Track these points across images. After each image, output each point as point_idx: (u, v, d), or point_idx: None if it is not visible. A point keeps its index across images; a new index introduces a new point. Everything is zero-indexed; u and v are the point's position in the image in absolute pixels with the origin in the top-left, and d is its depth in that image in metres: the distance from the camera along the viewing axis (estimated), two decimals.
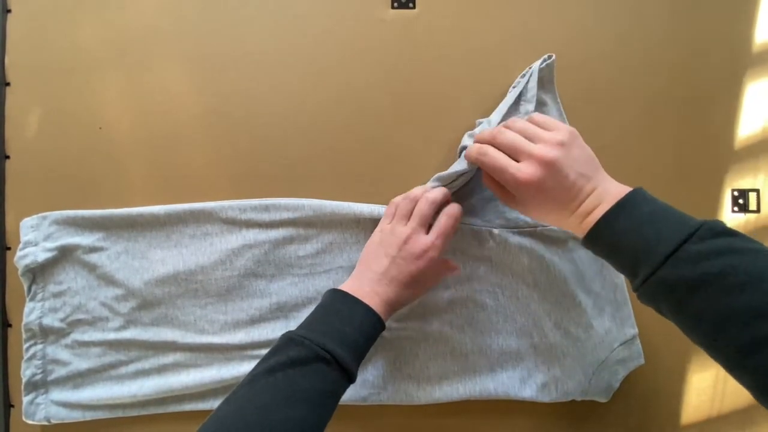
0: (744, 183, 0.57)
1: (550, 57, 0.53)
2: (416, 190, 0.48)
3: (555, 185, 0.40)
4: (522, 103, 0.52)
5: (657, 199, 0.39)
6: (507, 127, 0.43)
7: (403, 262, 0.45)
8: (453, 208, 0.47)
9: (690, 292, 0.33)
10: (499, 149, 0.42)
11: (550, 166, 0.40)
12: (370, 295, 0.44)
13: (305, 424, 0.37)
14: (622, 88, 0.56)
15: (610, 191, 0.40)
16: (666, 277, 0.34)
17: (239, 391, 0.39)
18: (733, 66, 0.57)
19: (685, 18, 0.57)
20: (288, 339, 0.40)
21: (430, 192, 0.47)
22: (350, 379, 0.41)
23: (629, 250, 0.37)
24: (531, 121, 0.43)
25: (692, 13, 0.57)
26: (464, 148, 0.50)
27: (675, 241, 0.34)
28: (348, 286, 0.45)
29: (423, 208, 0.47)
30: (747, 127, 0.57)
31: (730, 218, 0.57)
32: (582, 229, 0.40)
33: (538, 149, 0.40)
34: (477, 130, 0.51)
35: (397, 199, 0.49)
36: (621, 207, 0.38)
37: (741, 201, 0.57)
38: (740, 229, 0.56)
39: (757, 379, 0.32)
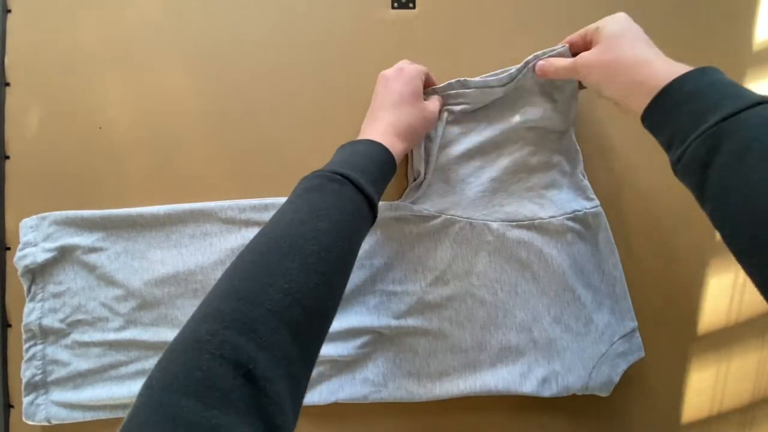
0: None
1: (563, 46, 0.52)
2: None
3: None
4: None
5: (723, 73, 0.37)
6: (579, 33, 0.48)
7: (390, 84, 0.48)
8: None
9: (757, 137, 0.30)
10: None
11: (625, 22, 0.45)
12: (371, 133, 0.46)
13: (333, 235, 0.36)
14: None
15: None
16: (745, 119, 0.31)
17: (267, 225, 0.38)
18: (733, 66, 0.57)
19: (685, 18, 0.57)
20: (303, 179, 0.41)
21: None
22: (370, 202, 0.40)
23: (706, 102, 0.34)
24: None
25: (692, 13, 0.57)
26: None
27: (754, 99, 0.32)
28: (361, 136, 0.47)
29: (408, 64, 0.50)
30: None
31: None
32: (653, 88, 0.38)
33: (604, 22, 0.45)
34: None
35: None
36: (697, 70, 0.36)
37: None
38: None
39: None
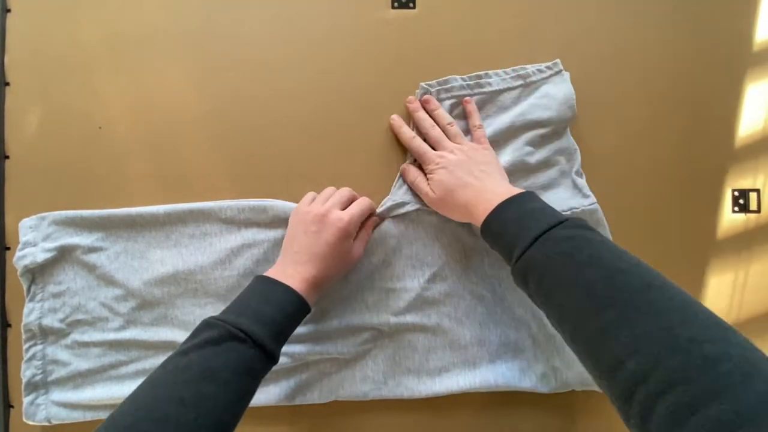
0: (744, 183, 0.57)
1: (555, 64, 0.55)
2: (327, 191, 0.51)
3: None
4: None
5: (542, 200, 0.44)
6: (433, 125, 0.52)
7: (320, 235, 0.47)
8: (366, 200, 0.51)
9: (548, 266, 0.39)
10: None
11: (457, 155, 0.50)
12: (292, 276, 0.45)
13: (218, 400, 0.37)
14: (622, 88, 0.56)
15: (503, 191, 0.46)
16: (533, 255, 0.40)
17: (153, 374, 0.38)
18: (733, 66, 0.57)
19: (685, 18, 0.57)
20: (204, 323, 0.41)
21: (344, 190, 0.51)
22: (269, 356, 0.41)
23: (510, 236, 0.42)
24: (451, 126, 0.52)
25: (692, 13, 0.57)
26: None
27: (544, 227, 0.40)
28: (272, 270, 0.46)
29: (343, 193, 0.50)
30: (747, 127, 0.57)
31: (731, 218, 0.57)
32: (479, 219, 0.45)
33: (455, 146, 0.51)
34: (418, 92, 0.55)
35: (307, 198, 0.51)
36: (510, 201, 0.44)
37: (741, 201, 0.57)
38: (741, 229, 0.57)
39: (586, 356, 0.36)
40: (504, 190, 0.46)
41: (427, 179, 0.51)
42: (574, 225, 0.40)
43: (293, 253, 0.47)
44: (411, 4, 0.56)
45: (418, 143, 0.52)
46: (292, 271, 0.45)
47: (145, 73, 0.55)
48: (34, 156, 0.55)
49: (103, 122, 0.55)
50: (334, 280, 0.49)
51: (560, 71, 0.55)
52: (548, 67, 0.54)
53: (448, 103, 0.54)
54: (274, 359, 0.42)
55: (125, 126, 0.55)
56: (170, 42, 0.55)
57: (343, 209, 0.49)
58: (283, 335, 0.43)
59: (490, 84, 0.54)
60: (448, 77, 0.54)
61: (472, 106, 0.53)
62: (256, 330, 0.40)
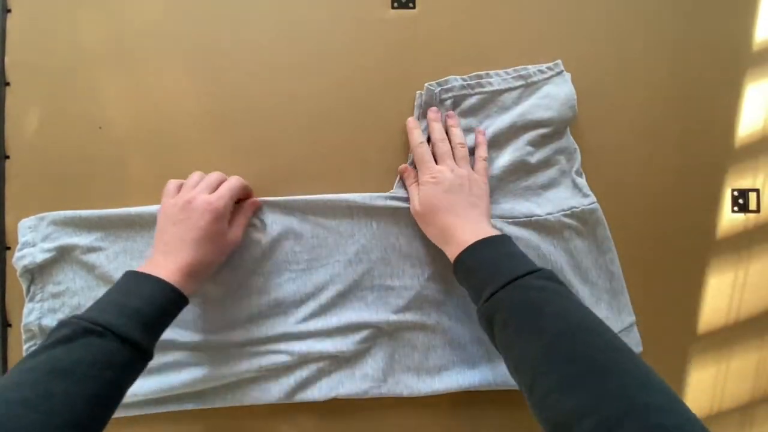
0: (744, 183, 0.57)
1: (557, 65, 0.55)
2: (193, 177, 0.50)
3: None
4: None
5: (518, 247, 0.45)
6: (445, 139, 0.52)
7: (189, 221, 0.46)
8: (236, 178, 0.50)
9: (513, 313, 0.39)
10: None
11: (455, 176, 0.49)
12: (163, 266, 0.44)
13: (73, 396, 0.35)
14: (622, 88, 0.56)
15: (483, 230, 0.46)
16: (503, 298, 0.40)
17: (2, 379, 0.37)
18: (733, 66, 0.57)
19: (685, 18, 0.57)
20: (59, 323, 0.39)
21: (213, 174, 0.50)
22: (138, 348, 0.39)
23: (483, 275, 0.43)
24: (462, 148, 0.52)
25: (692, 13, 0.57)
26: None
27: (518, 273, 0.41)
28: (143, 266, 0.45)
29: (210, 177, 0.49)
30: (747, 127, 0.57)
31: (730, 218, 0.57)
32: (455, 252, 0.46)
33: (455, 167, 0.50)
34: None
35: (170, 186, 0.50)
36: (488, 241, 0.44)
37: (741, 201, 0.57)
38: (740, 229, 0.57)
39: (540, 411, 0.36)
40: (485, 229, 0.46)
41: (418, 188, 0.51)
42: (547, 276, 0.41)
43: (163, 245, 0.46)
44: (411, 4, 0.56)
45: (423, 150, 0.51)
46: (162, 262, 0.44)
47: (145, 74, 0.55)
48: (34, 156, 0.55)
49: (103, 122, 0.55)
50: (213, 266, 0.48)
51: (561, 72, 0.55)
52: (549, 68, 0.55)
53: (448, 102, 0.54)
54: (145, 352, 0.40)
55: (125, 126, 0.55)
56: (170, 42, 0.55)
57: (214, 186, 0.48)
58: (153, 327, 0.41)
59: (491, 84, 0.54)
60: (448, 77, 0.54)
61: (482, 138, 0.53)
62: (117, 322, 0.38)
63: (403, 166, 0.53)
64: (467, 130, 0.54)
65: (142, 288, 0.42)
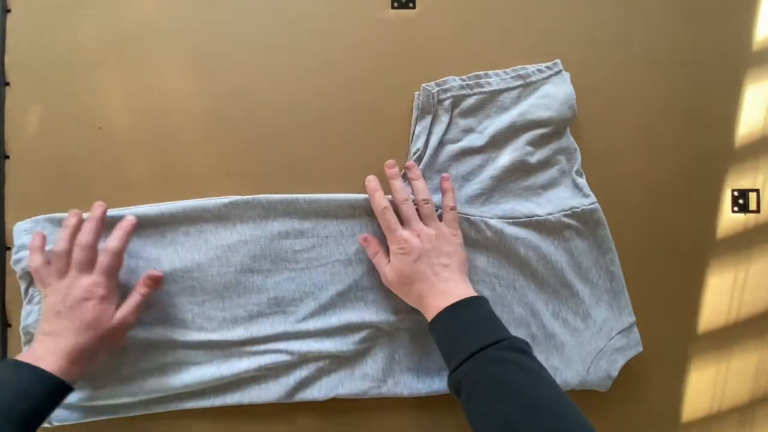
0: (744, 183, 0.57)
1: (555, 64, 0.55)
2: (60, 243, 0.47)
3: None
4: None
5: (489, 308, 0.46)
6: (407, 200, 0.50)
7: (69, 310, 0.45)
8: (113, 240, 0.48)
9: (475, 389, 0.40)
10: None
11: (422, 241, 0.49)
12: (42, 356, 0.43)
13: None
14: (622, 88, 0.56)
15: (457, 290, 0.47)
16: (465, 372, 0.41)
17: None
18: (733, 66, 0.57)
19: (685, 18, 0.57)
20: None
21: (81, 236, 0.47)
22: None
23: (449, 346, 0.44)
24: (426, 204, 0.50)
25: (692, 13, 0.57)
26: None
27: (480, 344, 0.41)
28: (22, 355, 0.44)
29: (77, 256, 0.47)
30: (747, 127, 0.57)
31: (730, 218, 0.57)
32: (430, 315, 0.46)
33: (423, 228, 0.49)
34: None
35: (36, 260, 0.48)
36: (456, 307, 0.45)
37: (741, 201, 0.57)
38: (740, 229, 0.57)
39: None
40: (457, 290, 0.46)
41: (387, 260, 0.50)
42: (510, 347, 0.41)
43: (42, 333, 0.45)
44: (411, 4, 0.56)
45: (388, 216, 0.49)
46: (41, 350, 0.43)
47: (146, 73, 0.55)
48: (34, 156, 0.55)
49: (103, 122, 0.55)
50: (100, 352, 0.47)
51: (560, 71, 0.55)
52: (548, 67, 0.55)
53: (447, 103, 0.54)
54: None
55: (125, 126, 0.55)
56: (171, 42, 0.55)
57: (88, 260, 0.46)
58: (28, 419, 0.40)
59: (489, 84, 0.54)
60: (447, 78, 0.54)
61: (448, 184, 0.51)
62: None
63: (363, 236, 0.52)
64: (467, 130, 0.54)
65: (17, 379, 0.40)
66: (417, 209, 0.50)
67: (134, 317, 0.48)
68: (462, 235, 0.53)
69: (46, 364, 0.42)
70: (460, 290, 0.46)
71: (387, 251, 0.51)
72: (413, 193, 0.51)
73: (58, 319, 0.45)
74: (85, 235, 0.47)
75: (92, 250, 0.47)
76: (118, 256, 0.48)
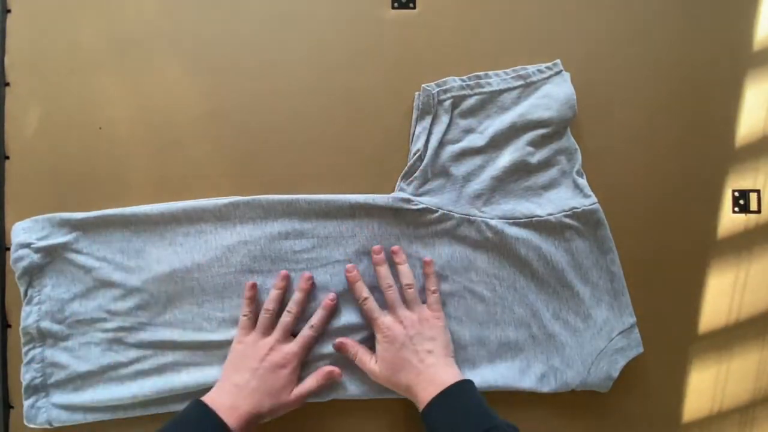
0: (744, 183, 0.57)
1: (555, 64, 0.55)
2: (272, 302, 0.51)
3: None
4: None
5: (475, 393, 0.46)
6: (391, 286, 0.51)
7: (265, 372, 0.48)
8: (319, 319, 0.51)
9: None
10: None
11: (406, 327, 0.50)
12: (228, 409, 0.45)
13: None
14: (622, 88, 0.56)
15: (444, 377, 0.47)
16: None
17: None
18: (733, 66, 0.57)
19: (685, 18, 0.57)
20: None
21: (292, 305, 0.51)
22: None
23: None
24: (409, 289, 0.51)
25: (692, 13, 0.57)
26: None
27: None
28: (210, 396, 0.47)
29: (286, 322, 0.50)
30: (747, 127, 0.57)
31: (731, 219, 0.57)
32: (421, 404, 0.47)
33: (405, 314, 0.50)
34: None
35: (246, 309, 0.51)
36: (444, 396, 0.45)
37: (742, 201, 0.57)
38: (741, 230, 0.57)
39: None
40: (444, 376, 0.47)
41: (370, 354, 0.51)
42: None
43: (232, 385, 0.47)
44: (411, 4, 0.56)
45: (369, 305, 0.51)
46: (228, 404, 0.46)
47: (146, 74, 0.55)
48: (34, 156, 0.55)
49: (103, 122, 0.55)
50: (278, 412, 0.49)
51: (560, 71, 0.55)
52: (548, 68, 0.55)
53: (447, 103, 0.54)
54: None
55: (125, 126, 0.55)
56: (170, 42, 0.55)
57: (291, 329, 0.50)
58: None
59: (489, 84, 0.54)
60: (447, 78, 0.54)
61: (430, 269, 0.52)
62: None
63: (338, 342, 0.52)
64: (467, 131, 0.54)
65: (204, 427, 0.44)
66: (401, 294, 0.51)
67: (303, 401, 0.50)
68: (462, 235, 0.53)
69: (230, 420, 0.44)
70: (447, 375, 0.47)
71: (366, 349, 0.51)
72: (398, 278, 0.52)
73: (253, 376, 0.48)
74: (298, 305, 0.51)
75: (296, 319, 0.51)
76: (319, 334, 0.51)
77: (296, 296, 0.51)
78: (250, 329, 0.51)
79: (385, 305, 0.51)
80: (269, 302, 0.51)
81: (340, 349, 0.52)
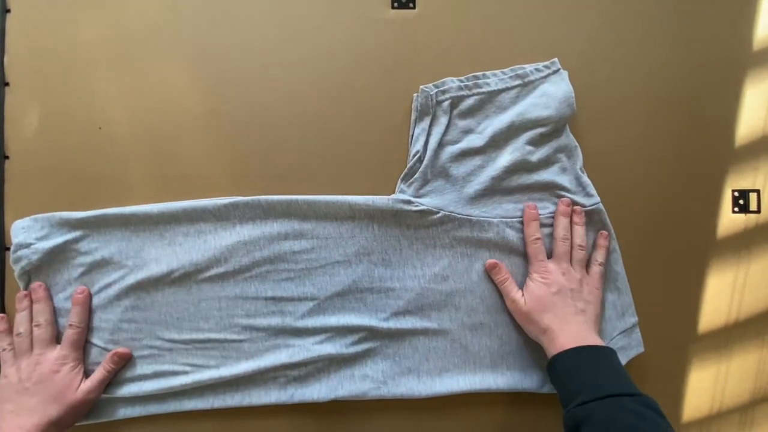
0: (744, 183, 0.57)
1: (553, 63, 0.55)
2: (21, 324, 0.50)
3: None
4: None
5: (619, 362, 0.46)
6: (567, 239, 0.52)
7: (37, 386, 0.47)
8: (75, 316, 0.50)
9: (604, 430, 0.39)
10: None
11: (568, 280, 0.50)
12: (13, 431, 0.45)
13: None
14: (622, 88, 0.56)
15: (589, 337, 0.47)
16: (597, 411, 0.40)
17: None
18: (733, 66, 0.57)
19: (685, 18, 0.57)
20: None
21: (38, 315, 0.50)
22: None
23: (581, 380, 0.43)
24: (581, 250, 0.52)
25: (692, 13, 0.57)
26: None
27: (620, 390, 0.41)
28: None
29: (40, 333, 0.49)
30: (747, 127, 0.57)
31: (731, 218, 0.57)
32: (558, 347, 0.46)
33: (569, 270, 0.51)
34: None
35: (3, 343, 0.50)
36: (594, 350, 0.45)
37: (741, 201, 0.57)
38: (741, 230, 0.57)
39: None
40: (590, 338, 0.46)
41: (521, 288, 0.51)
42: (647, 404, 0.40)
43: (9, 413, 0.46)
44: (411, 4, 0.56)
45: (537, 247, 0.51)
46: (10, 428, 0.45)
47: (146, 74, 0.55)
48: (34, 156, 0.55)
49: (103, 122, 0.55)
50: (68, 421, 0.48)
51: (558, 70, 0.55)
52: (546, 66, 0.55)
53: (445, 104, 0.53)
54: None
55: (125, 126, 0.55)
56: (170, 42, 0.55)
57: (51, 336, 0.49)
58: None
59: (488, 84, 0.54)
60: (445, 79, 0.54)
61: (604, 241, 0.53)
62: None
63: (493, 262, 0.52)
64: (466, 131, 0.54)
65: None
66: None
67: (98, 392, 0.50)
68: (462, 235, 0.53)
69: None
70: (593, 339, 0.47)
71: (514, 281, 0.52)
72: (571, 236, 0.52)
73: (25, 395, 0.47)
74: (43, 315, 0.50)
75: (53, 326, 0.50)
76: (83, 329, 0.51)
77: (38, 307, 0.50)
78: (13, 361, 0.49)
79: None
80: (18, 326, 0.50)
81: (491, 268, 0.52)
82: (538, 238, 0.52)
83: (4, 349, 0.50)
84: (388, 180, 0.54)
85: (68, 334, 0.50)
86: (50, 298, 0.51)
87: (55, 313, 0.51)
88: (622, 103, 0.56)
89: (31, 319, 0.50)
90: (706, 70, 0.57)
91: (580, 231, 0.52)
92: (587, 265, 0.53)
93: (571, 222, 0.53)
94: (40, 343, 0.49)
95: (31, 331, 0.50)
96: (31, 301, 0.51)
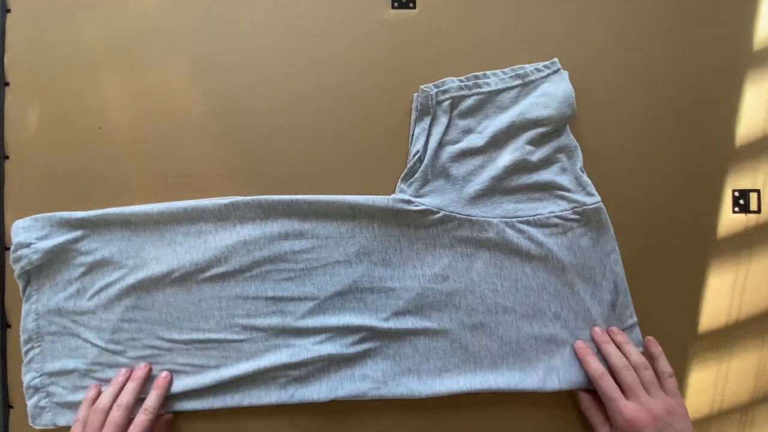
0: (744, 183, 0.57)
1: (553, 63, 0.55)
2: (103, 400, 0.48)
3: None
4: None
5: None
6: (628, 366, 0.49)
7: None
8: (153, 401, 0.49)
9: None
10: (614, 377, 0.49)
11: (654, 419, 0.46)
12: None
13: None
14: (622, 88, 0.56)
15: None
16: None
17: None
18: (733, 66, 0.57)
19: (685, 18, 0.57)
20: None
21: (123, 396, 0.49)
22: None
23: None
24: (646, 369, 0.49)
25: (692, 13, 0.57)
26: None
27: None
28: None
29: (115, 416, 0.47)
30: (747, 127, 0.57)
31: (731, 218, 0.57)
32: None
33: (650, 402, 0.47)
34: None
35: (82, 413, 0.48)
36: None
37: (742, 201, 0.57)
38: (741, 230, 0.57)
39: None
40: None
41: (611, 424, 0.48)
42: None
43: None
44: (411, 4, 0.56)
45: (609, 383, 0.48)
46: None
47: (146, 73, 0.55)
48: (34, 156, 0.55)
49: (103, 122, 0.55)
50: None
51: (558, 70, 0.55)
52: (546, 66, 0.55)
53: (445, 104, 0.54)
54: None
55: (125, 126, 0.55)
56: (171, 42, 0.55)
57: (123, 421, 0.47)
58: None
59: (488, 84, 0.54)
60: (445, 79, 0.54)
61: (657, 348, 0.51)
62: None
63: (585, 397, 0.51)
64: (466, 131, 0.54)
65: None
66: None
67: None
68: (463, 235, 0.53)
69: None
70: None
71: (603, 418, 0.50)
72: (628, 359, 0.49)
73: None
74: (126, 396, 0.49)
75: (129, 411, 0.48)
76: (156, 415, 0.49)
77: (129, 386, 0.49)
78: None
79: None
80: (102, 399, 0.49)
81: (581, 399, 0.51)
82: (604, 373, 0.49)
83: (77, 420, 0.48)
84: (388, 180, 0.54)
85: (140, 421, 0.47)
86: (145, 383, 0.50)
87: (137, 399, 0.49)
88: (622, 103, 0.56)
89: (116, 398, 0.49)
90: (706, 70, 0.57)
91: (630, 349, 0.50)
92: (658, 378, 0.50)
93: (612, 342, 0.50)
94: (112, 426, 0.47)
95: (109, 409, 0.48)
96: (126, 381, 0.50)
